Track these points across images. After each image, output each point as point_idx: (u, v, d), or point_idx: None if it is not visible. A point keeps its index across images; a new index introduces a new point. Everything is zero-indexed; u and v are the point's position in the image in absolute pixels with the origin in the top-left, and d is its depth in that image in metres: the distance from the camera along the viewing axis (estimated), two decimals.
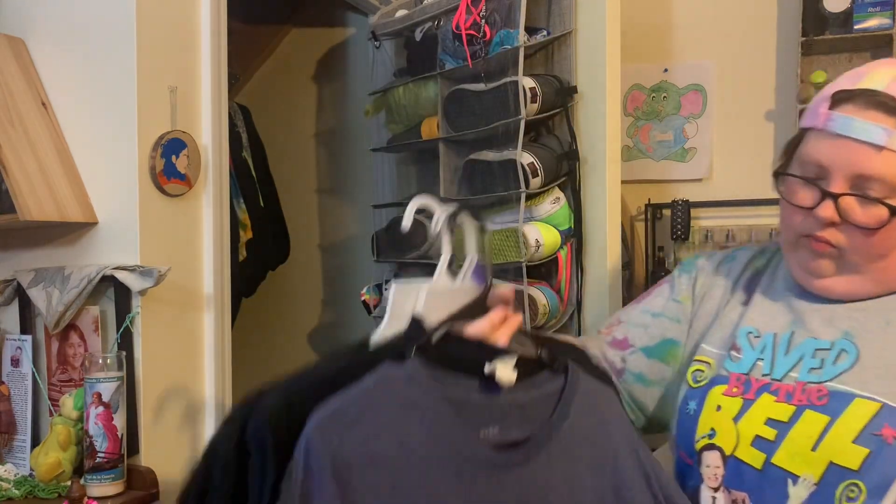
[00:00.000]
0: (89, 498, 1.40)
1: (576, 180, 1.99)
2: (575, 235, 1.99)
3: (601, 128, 1.98)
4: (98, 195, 1.64)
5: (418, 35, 2.23)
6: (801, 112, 2.54)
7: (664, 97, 2.85)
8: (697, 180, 2.79)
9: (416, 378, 0.81)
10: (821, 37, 2.52)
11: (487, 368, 0.82)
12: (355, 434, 0.78)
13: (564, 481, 0.85)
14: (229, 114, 1.89)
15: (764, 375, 0.97)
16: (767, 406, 0.94)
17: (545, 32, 2.03)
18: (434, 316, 0.85)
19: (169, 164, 1.62)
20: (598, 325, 2.01)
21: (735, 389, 0.97)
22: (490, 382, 0.83)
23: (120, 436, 1.48)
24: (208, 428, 1.74)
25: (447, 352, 0.83)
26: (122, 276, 1.53)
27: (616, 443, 0.88)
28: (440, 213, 0.88)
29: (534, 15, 2.03)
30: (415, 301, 0.85)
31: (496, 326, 0.85)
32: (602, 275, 1.99)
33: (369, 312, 2.47)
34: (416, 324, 0.83)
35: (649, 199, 2.79)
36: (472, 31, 2.01)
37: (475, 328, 0.85)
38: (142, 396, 1.58)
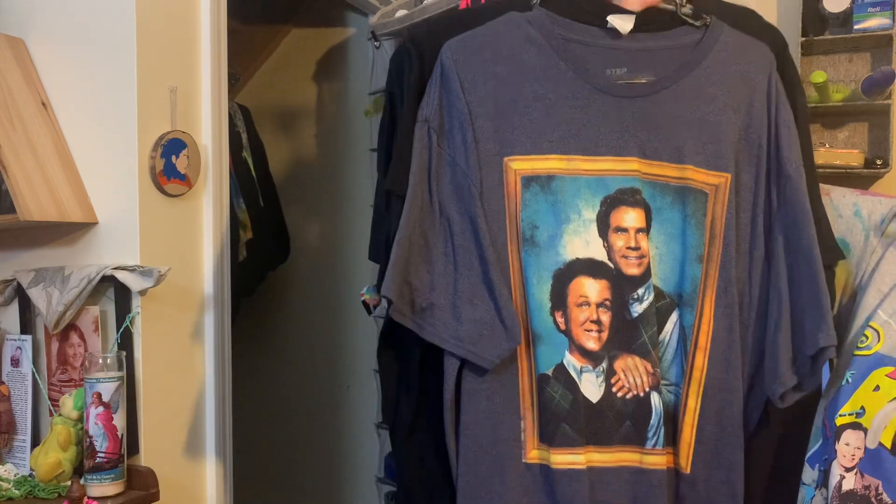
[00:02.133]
0: (89, 498, 1.40)
1: None
2: None
3: None
4: (98, 195, 1.65)
5: None
6: None
7: None
8: None
9: (538, 20, 0.98)
10: (820, 37, 2.52)
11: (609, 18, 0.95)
12: (478, 57, 0.99)
13: (692, 113, 0.96)
14: (229, 114, 1.89)
15: None
16: None
17: None
18: None
19: (169, 164, 1.63)
20: None
21: None
22: (615, 31, 0.97)
23: (120, 436, 1.48)
24: (208, 428, 1.74)
25: (571, 4, 0.98)
26: (122, 276, 1.53)
27: (753, 91, 0.98)
28: None
29: None
30: None
31: None
32: None
33: (369, 312, 2.46)
34: None
35: None
36: None
37: None
38: (142, 396, 1.58)
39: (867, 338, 0.98)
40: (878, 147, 2.57)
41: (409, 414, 1.12)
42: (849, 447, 0.93)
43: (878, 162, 2.49)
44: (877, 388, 0.93)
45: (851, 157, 2.50)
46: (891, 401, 0.91)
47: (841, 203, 1.10)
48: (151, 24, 1.62)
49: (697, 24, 0.98)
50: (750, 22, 1.06)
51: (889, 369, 0.94)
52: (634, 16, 0.94)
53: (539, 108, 0.97)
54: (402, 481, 1.18)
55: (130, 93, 1.59)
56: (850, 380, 0.95)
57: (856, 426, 0.93)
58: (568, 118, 0.97)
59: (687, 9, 0.97)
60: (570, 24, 0.99)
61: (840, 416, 0.94)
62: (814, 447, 1.01)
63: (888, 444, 0.90)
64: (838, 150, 2.55)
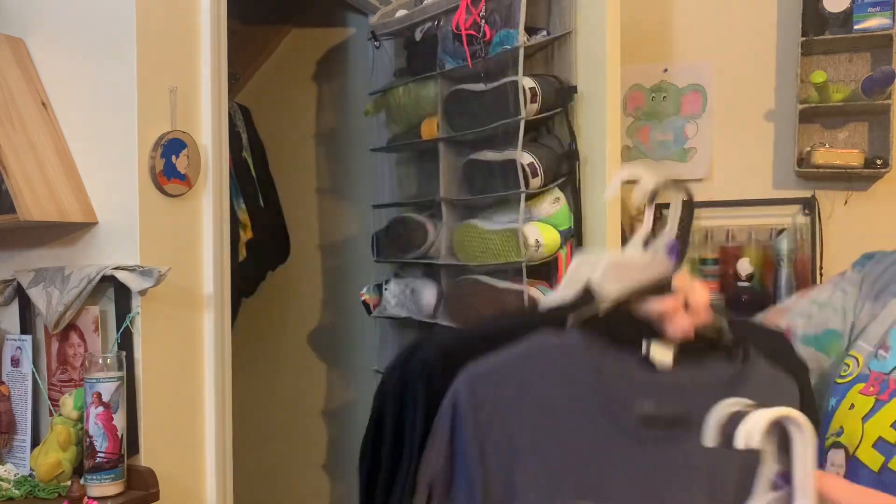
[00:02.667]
0: (89, 498, 1.40)
1: (576, 180, 1.99)
2: (575, 235, 1.99)
3: (601, 128, 1.98)
4: (98, 195, 1.65)
5: (418, 35, 2.23)
6: (801, 112, 2.54)
7: (664, 97, 2.85)
8: (697, 180, 2.79)
9: (571, 349, 0.83)
10: (820, 37, 2.52)
11: (644, 349, 0.81)
12: (500, 394, 0.81)
13: (709, 466, 0.84)
14: (229, 114, 1.89)
15: None
16: None
17: (545, 32, 2.03)
18: (613, 286, 0.83)
19: (169, 164, 1.62)
20: None
21: (871, 388, 0.94)
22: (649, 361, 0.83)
23: (120, 436, 1.48)
24: (208, 428, 1.74)
25: (611, 325, 0.83)
26: (122, 276, 1.53)
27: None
28: (648, 182, 0.85)
29: (534, 15, 2.03)
30: (592, 269, 0.83)
31: (677, 308, 0.82)
32: None
33: (369, 312, 2.47)
34: (586, 293, 0.83)
35: None
36: (471, 31, 2.01)
37: (655, 305, 0.82)
38: (142, 396, 1.58)
39: (848, 366, 0.99)
40: (878, 147, 2.57)
41: None
42: (833, 467, 0.94)
43: (878, 162, 2.49)
44: (852, 406, 0.94)
45: (851, 156, 2.50)
46: (864, 416, 0.92)
47: (802, 307, 1.12)
48: (151, 24, 1.62)
49: (735, 355, 0.87)
50: (779, 345, 0.97)
51: (861, 385, 0.95)
52: (673, 349, 0.84)
53: (555, 453, 0.84)
54: None
55: (130, 93, 1.59)
56: (833, 405, 0.97)
57: (837, 445, 0.94)
58: (586, 463, 0.85)
59: (728, 337, 0.86)
60: (605, 351, 0.85)
61: (826, 439, 0.96)
62: None
63: (863, 459, 0.91)
64: (838, 149, 2.55)
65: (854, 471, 0.91)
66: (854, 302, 1.07)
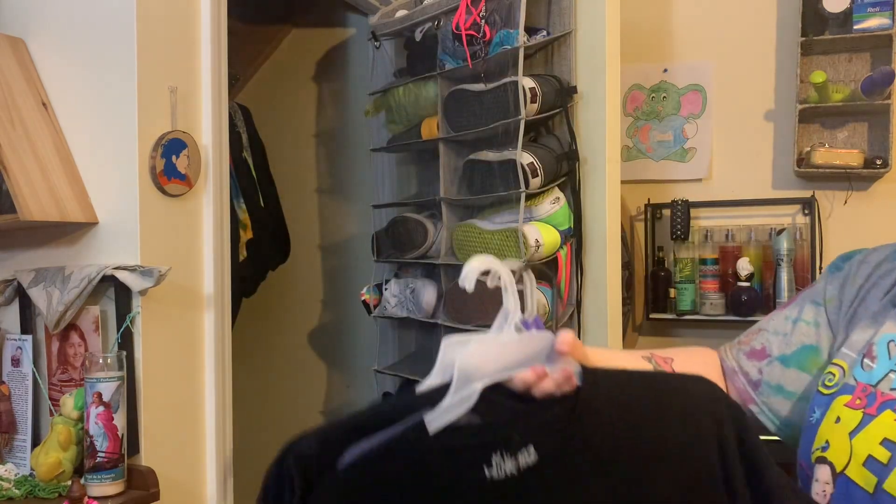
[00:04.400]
0: (89, 498, 1.40)
1: (576, 180, 1.99)
2: (575, 235, 1.99)
3: (601, 128, 1.98)
4: (98, 195, 1.65)
5: (418, 35, 2.23)
6: (801, 112, 2.54)
7: (664, 97, 2.85)
8: (697, 180, 2.79)
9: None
10: (820, 37, 2.52)
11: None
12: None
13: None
14: (229, 114, 1.89)
15: (892, 390, 0.87)
16: (887, 424, 0.85)
17: (545, 33, 2.03)
18: (488, 367, 0.83)
19: (169, 164, 1.63)
20: (597, 325, 2.02)
21: (858, 401, 0.89)
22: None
23: (120, 435, 1.48)
24: (208, 428, 1.74)
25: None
26: (122, 276, 1.53)
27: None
28: (504, 272, 0.85)
29: (533, 15, 2.03)
30: (462, 353, 0.83)
31: (541, 377, 0.82)
32: (602, 275, 1.99)
33: (369, 312, 2.47)
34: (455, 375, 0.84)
35: (649, 199, 2.79)
36: (471, 32, 2.01)
37: (522, 376, 0.83)
38: (142, 396, 1.58)
39: (833, 375, 0.95)
40: (877, 147, 2.57)
41: None
42: (819, 483, 0.90)
43: (878, 162, 2.49)
44: (837, 419, 0.90)
45: (851, 156, 2.50)
46: (851, 431, 0.88)
47: (774, 325, 1.08)
48: (151, 24, 1.62)
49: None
50: (696, 392, 0.92)
51: (846, 398, 0.90)
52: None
53: None
54: None
55: (130, 93, 1.59)
56: (818, 417, 0.93)
57: (822, 461, 0.90)
58: None
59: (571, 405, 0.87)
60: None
61: (812, 453, 0.92)
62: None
63: (854, 478, 0.87)
64: (838, 149, 2.56)
65: (845, 490, 0.87)
66: (832, 312, 1.02)
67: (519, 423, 0.84)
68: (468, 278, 0.83)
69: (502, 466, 0.82)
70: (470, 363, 0.82)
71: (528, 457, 0.83)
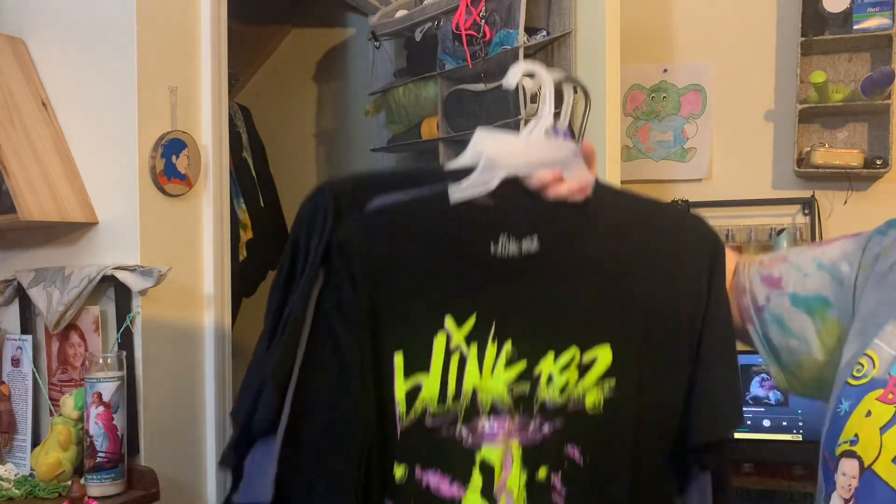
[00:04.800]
0: (89, 498, 1.40)
1: None
2: None
3: (601, 128, 1.98)
4: (98, 195, 1.65)
5: (418, 35, 2.23)
6: (801, 112, 2.54)
7: (664, 97, 2.85)
8: (697, 180, 2.79)
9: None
10: (820, 37, 2.52)
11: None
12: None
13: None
14: (229, 114, 1.89)
15: None
16: None
17: (545, 32, 2.03)
18: (512, 159, 0.94)
19: (169, 164, 1.63)
20: None
21: (891, 396, 0.88)
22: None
23: (120, 436, 1.48)
24: (208, 428, 1.74)
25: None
26: (122, 276, 1.53)
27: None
28: (547, 79, 0.95)
29: (533, 15, 2.03)
30: (493, 143, 0.94)
31: (557, 179, 0.92)
32: None
33: None
34: (484, 161, 0.95)
35: None
36: (471, 32, 2.01)
37: (541, 175, 0.92)
38: (142, 396, 1.58)
39: (862, 366, 0.93)
40: (877, 147, 2.57)
41: None
42: (845, 477, 0.89)
43: (878, 162, 2.49)
44: (868, 413, 0.89)
45: (851, 156, 2.50)
46: (882, 426, 0.87)
47: (801, 261, 1.07)
48: (151, 24, 1.62)
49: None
50: (693, 226, 1.03)
51: (879, 392, 0.90)
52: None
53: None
54: None
55: (130, 93, 1.59)
56: (846, 409, 0.92)
57: (850, 454, 0.89)
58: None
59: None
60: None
61: (838, 445, 0.91)
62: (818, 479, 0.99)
63: (882, 474, 0.86)
64: (838, 149, 2.56)
65: (869, 485, 0.86)
66: (858, 279, 0.99)
67: (528, 215, 0.94)
68: (512, 76, 0.93)
69: (507, 247, 0.94)
70: (497, 152, 0.94)
71: (530, 244, 0.94)
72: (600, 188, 0.98)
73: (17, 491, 1.49)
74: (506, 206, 0.95)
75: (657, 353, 0.96)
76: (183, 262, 1.68)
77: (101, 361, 1.49)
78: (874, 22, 2.45)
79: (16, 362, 1.69)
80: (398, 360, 0.93)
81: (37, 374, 1.67)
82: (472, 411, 0.94)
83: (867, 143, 2.59)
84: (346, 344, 0.91)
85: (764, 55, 2.71)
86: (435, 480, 0.93)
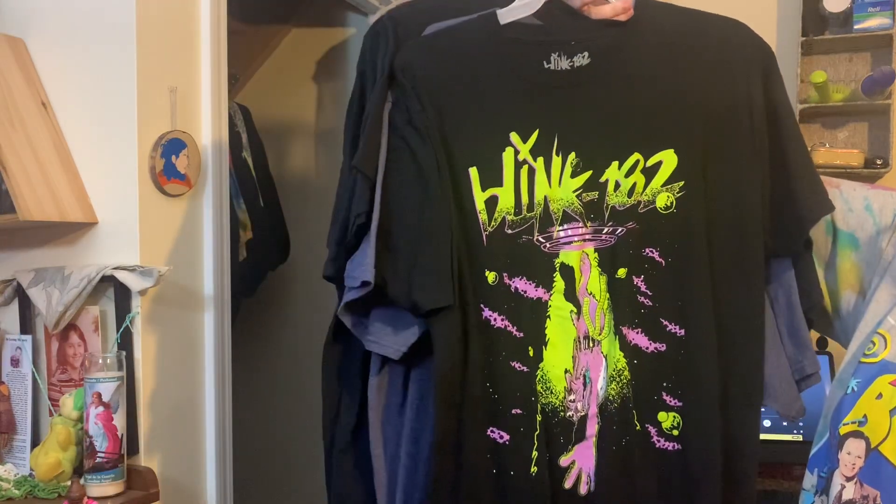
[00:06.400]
0: (89, 498, 1.40)
1: None
2: None
3: None
4: (98, 195, 1.65)
5: None
6: (801, 112, 2.54)
7: None
8: None
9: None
10: (820, 37, 2.52)
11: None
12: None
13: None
14: (229, 114, 1.89)
15: None
16: None
17: None
18: None
19: (169, 164, 1.62)
20: None
21: None
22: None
23: (120, 436, 1.48)
24: (208, 428, 1.74)
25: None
26: (122, 276, 1.53)
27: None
28: None
29: None
30: None
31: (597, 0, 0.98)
32: None
33: None
34: None
35: None
36: None
37: None
38: (142, 396, 1.58)
39: (874, 344, 0.95)
40: (878, 147, 2.57)
41: (351, 419, 1.08)
42: (850, 456, 0.91)
43: (878, 162, 2.49)
44: (879, 395, 0.91)
45: (851, 156, 2.50)
46: (893, 409, 0.89)
47: (851, 196, 1.08)
48: (151, 24, 1.62)
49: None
50: (738, 32, 1.09)
51: (892, 377, 0.91)
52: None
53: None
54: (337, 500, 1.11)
55: (130, 93, 1.59)
56: (855, 388, 0.94)
57: (857, 435, 0.91)
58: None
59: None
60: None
61: (844, 424, 0.93)
62: (813, 450, 1.00)
63: (888, 455, 0.88)
64: (838, 149, 2.55)
65: (875, 465, 0.88)
66: (888, 248, 1.02)
67: (577, 33, 1.01)
68: None
69: (559, 63, 1.00)
70: None
71: (582, 60, 1.00)
72: (646, 5, 1.04)
73: (16, 491, 1.49)
74: (553, 26, 1.01)
75: (722, 153, 1.00)
76: (183, 262, 1.68)
77: (100, 361, 1.48)
78: (874, 22, 2.45)
79: (15, 362, 1.69)
80: (473, 174, 1.00)
81: (36, 375, 1.67)
82: (546, 219, 1.01)
83: (867, 143, 2.59)
84: (422, 154, 0.98)
85: None
86: (522, 285, 1.00)
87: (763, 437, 2.28)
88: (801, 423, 2.31)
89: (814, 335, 1.18)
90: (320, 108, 3.14)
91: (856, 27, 2.47)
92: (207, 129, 1.74)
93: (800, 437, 2.30)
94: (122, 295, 1.57)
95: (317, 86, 3.14)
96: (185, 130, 1.67)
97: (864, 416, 0.91)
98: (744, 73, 1.02)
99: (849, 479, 0.91)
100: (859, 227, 1.05)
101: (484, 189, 1.00)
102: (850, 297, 1.05)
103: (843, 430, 0.92)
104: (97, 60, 1.64)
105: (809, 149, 2.55)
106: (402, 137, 1.00)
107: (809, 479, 0.99)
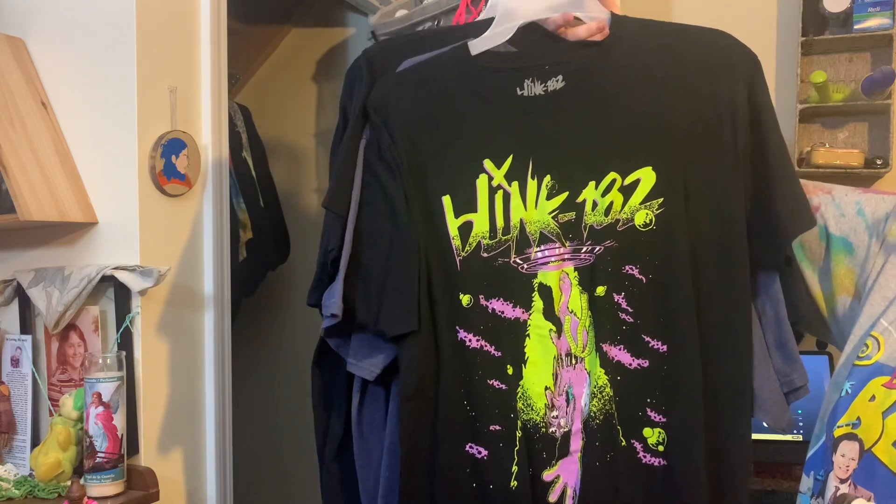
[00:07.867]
0: (89, 498, 1.40)
1: None
2: None
3: None
4: (98, 195, 1.65)
5: None
6: (801, 112, 2.54)
7: None
8: None
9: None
10: (820, 37, 2.52)
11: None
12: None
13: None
14: (229, 114, 1.89)
15: None
16: None
17: None
18: (528, 8, 1.02)
19: (169, 164, 1.62)
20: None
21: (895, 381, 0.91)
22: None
23: (120, 436, 1.48)
24: (208, 428, 1.74)
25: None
26: (122, 276, 1.53)
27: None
28: None
29: None
30: None
31: (569, 23, 0.99)
32: None
33: None
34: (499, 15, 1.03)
35: None
36: None
37: (556, 19, 1.00)
38: (142, 396, 1.58)
39: (867, 347, 0.95)
40: (878, 147, 2.57)
41: (339, 431, 1.10)
42: (844, 458, 0.91)
43: (878, 162, 2.49)
44: (872, 398, 0.91)
45: (851, 157, 2.50)
46: (885, 410, 0.89)
47: (843, 201, 1.09)
48: (151, 24, 1.62)
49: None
50: (719, 41, 1.08)
51: (885, 378, 0.92)
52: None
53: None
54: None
55: (130, 93, 1.59)
56: (849, 390, 0.94)
57: (851, 437, 0.91)
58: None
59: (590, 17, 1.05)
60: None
61: (838, 427, 0.93)
62: (809, 453, 1.00)
63: (881, 456, 0.88)
64: (838, 150, 2.55)
65: (869, 467, 0.88)
66: (881, 250, 1.01)
67: (551, 57, 1.01)
68: None
69: (532, 88, 1.01)
70: (512, 5, 1.01)
71: (556, 83, 1.00)
72: (621, 23, 1.04)
73: (16, 491, 1.49)
74: (528, 51, 1.02)
75: (704, 167, 1.00)
76: (183, 262, 1.68)
77: (100, 361, 1.49)
78: (874, 22, 2.45)
79: (15, 362, 1.69)
80: (447, 202, 1.01)
81: (36, 375, 1.67)
82: (523, 241, 1.01)
83: (867, 143, 2.59)
84: (391, 188, 1.00)
85: (764, 55, 2.68)
86: (499, 306, 1.01)
87: (763, 437, 2.29)
88: (800, 423, 2.31)
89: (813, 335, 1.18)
90: (320, 108, 3.14)
91: (856, 27, 2.47)
92: (207, 129, 1.74)
93: (800, 437, 2.30)
94: (122, 295, 1.57)
95: (317, 86, 3.14)
96: (185, 130, 1.67)
97: (858, 418, 0.91)
98: (727, 82, 1.01)
99: (843, 482, 0.91)
100: (852, 231, 1.05)
101: (457, 216, 1.01)
102: (846, 301, 1.05)
103: (837, 432, 0.93)
104: (97, 60, 1.64)
105: (809, 149, 2.56)
106: (373, 173, 1.02)
107: (806, 482, 0.99)
